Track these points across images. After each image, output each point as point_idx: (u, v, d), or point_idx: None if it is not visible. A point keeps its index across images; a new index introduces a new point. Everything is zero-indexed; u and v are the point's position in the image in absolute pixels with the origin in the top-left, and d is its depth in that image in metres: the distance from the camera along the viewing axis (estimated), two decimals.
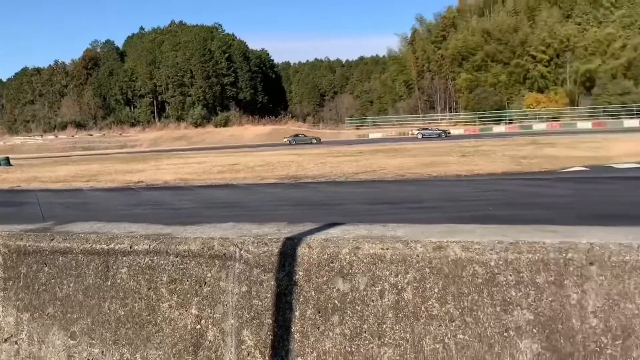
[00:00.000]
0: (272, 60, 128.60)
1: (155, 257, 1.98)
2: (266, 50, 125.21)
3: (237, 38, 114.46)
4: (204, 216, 10.74)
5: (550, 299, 1.47)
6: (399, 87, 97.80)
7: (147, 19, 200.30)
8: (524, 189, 13.59)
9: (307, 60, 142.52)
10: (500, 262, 1.52)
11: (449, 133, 59.90)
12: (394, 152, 30.44)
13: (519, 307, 1.49)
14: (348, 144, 49.25)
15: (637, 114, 69.17)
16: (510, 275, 1.51)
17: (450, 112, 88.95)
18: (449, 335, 1.55)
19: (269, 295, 1.78)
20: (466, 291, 1.55)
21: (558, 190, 12.76)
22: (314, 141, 59.18)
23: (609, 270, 1.43)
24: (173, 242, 1.97)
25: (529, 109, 75.93)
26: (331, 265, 1.71)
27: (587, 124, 64.74)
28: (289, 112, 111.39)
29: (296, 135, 63.81)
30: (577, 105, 76.47)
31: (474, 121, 78.23)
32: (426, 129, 62.61)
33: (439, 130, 60.77)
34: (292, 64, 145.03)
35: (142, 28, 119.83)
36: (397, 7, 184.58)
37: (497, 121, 75.99)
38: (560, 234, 1.58)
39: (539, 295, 1.47)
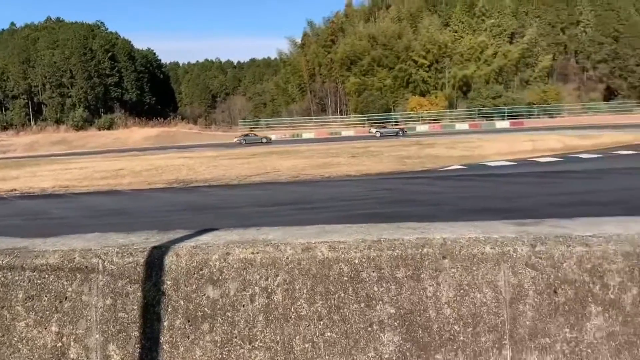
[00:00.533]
0: (160, 60, 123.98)
1: (9, 273, 1.82)
2: (153, 50, 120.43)
3: (121, 37, 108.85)
4: (83, 226, 10.08)
5: (409, 292, 1.56)
6: (291, 89, 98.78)
7: (19, 14, 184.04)
8: (408, 187, 14.29)
9: (197, 61, 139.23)
10: (364, 260, 1.58)
11: (405, 132, 61.36)
12: (287, 154, 30.69)
13: (381, 302, 1.57)
14: (242, 146, 48.78)
15: (507, 116, 75.83)
16: (373, 272, 1.58)
17: (341, 115, 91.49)
18: (317, 334, 1.59)
19: (135, 307, 1.71)
20: (333, 289, 1.59)
21: (438, 188, 13.59)
22: (265, 140, 58.19)
23: (460, 263, 1.54)
24: (29, 256, 1.82)
25: (412, 112, 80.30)
26: (201, 272, 1.68)
27: (464, 126, 69.84)
28: (178, 113, 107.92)
29: (246, 135, 62.83)
30: (456, 108, 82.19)
31: (363, 123, 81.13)
32: (384, 127, 63.86)
33: (396, 129, 62.25)
34: (181, 65, 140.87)
35: (13, 24, 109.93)
36: (288, 10, 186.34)
37: (385, 123, 79.45)
38: (418, 231, 1.69)
39: (399, 290, 1.56)
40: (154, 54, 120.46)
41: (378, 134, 58.15)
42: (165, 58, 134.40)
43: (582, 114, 77.39)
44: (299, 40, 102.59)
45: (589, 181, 13.14)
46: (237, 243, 1.70)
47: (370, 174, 18.34)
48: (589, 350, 1.48)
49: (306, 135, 73.14)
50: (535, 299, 1.48)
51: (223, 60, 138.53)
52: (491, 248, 1.52)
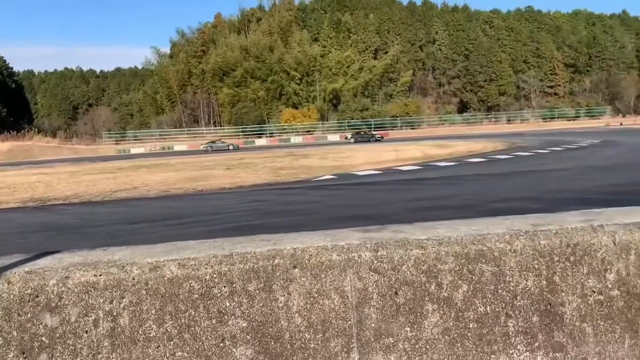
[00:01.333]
0: (11, 68, 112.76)
1: None
2: (3, 57, 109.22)
3: None
4: None
5: (261, 304, 1.57)
6: (161, 100, 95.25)
7: None
8: (281, 198, 14.41)
9: (55, 70, 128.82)
10: (215, 276, 1.57)
11: (380, 138, 60.81)
12: (157, 167, 29.46)
13: (233, 317, 1.56)
14: (107, 159, 45.89)
15: (374, 127, 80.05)
16: (225, 286, 1.57)
17: (215, 127, 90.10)
18: (167, 355, 1.53)
19: None
20: (183, 308, 1.55)
21: (310, 198, 13.89)
22: (231, 147, 56.50)
23: (310, 271, 1.59)
24: None
25: (286, 124, 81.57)
26: (37, 299, 1.54)
27: (335, 137, 72.46)
28: (34, 126, 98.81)
29: (213, 142, 61.25)
30: (327, 120, 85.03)
31: (238, 135, 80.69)
32: (358, 133, 64.47)
33: (370, 134, 62.82)
34: (36, 73, 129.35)
35: None
36: (155, 19, 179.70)
37: (259, 135, 79.75)
38: (271, 242, 1.71)
39: (251, 303, 1.56)
40: (4, 61, 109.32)
41: (352, 140, 59.16)
42: (18, 66, 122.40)
43: (440, 125, 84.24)
44: (166, 50, 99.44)
45: (444, 187, 14.25)
46: (79, 265, 1.59)
47: (245, 186, 18.22)
48: (428, 346, 1.61)
49: (178, 147, 70.87)
50: (379, 302, 1.57)
51: (85, 69, 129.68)
52: (338, 255, 1.59)
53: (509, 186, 13.93)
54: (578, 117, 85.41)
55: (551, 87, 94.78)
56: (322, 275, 1.60)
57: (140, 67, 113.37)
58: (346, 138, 63.24)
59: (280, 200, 13.94)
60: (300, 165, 25.30)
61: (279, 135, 78.35)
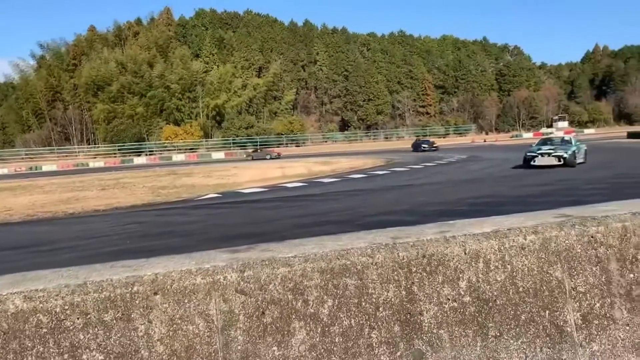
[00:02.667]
0: None
1: None
2: None
3: None
4: None
5: (119, 335, 1.48)
6: (26, 117, 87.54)
7: None
8: (162, 219, 13.84)
9: None
10: (67, 307, 1.45)
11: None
12: (23, 189, 26.98)
13: (88, 350, 1.45)
14: None
15: (260, 145, 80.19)
16: (78, 318, 1.46)
17: (89, 144, 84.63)
18: None
19: None
20: (30, 344, 1.42)
21: (193, 218, 13.50)
22: (268, 157, 52.47)
23: (172, 297, 1.53)
24: None
25: (167, 141, 78.90)
26: None
27: (220, 154, 71.41)
28: None
29: (255, 151, 56.18)
30: (211, 137, 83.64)
31: (115, 153, 76.53)
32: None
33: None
34: None
35: None
36: (18, 30, 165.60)
37: (138, 153, 76.26)
38: (131, 269, 1.62)
39: (108, 334, 1.46)
40: None
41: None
42: None
43: (323, 142, 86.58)
44: (31, 63, 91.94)
45: (328, 202, 14.61)
46: None
47: (122, 208, 17.30)
48: None
49: (47, 167, 65.51)
50: (246, 323, 1.55)
51: None
52: (202, 278, 1.55)
53: (386, 200, 14.64)
54: (447, 134, 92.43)
55: (423, 106, 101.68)
56: (186, 300, 1.54)
57: (1, 80, 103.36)
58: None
59: (160, 222, 13.39)
60: (183, 184, 24.56)
61: (160, 153, 75.54)
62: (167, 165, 52.73)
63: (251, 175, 27.83)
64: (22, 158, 75.83)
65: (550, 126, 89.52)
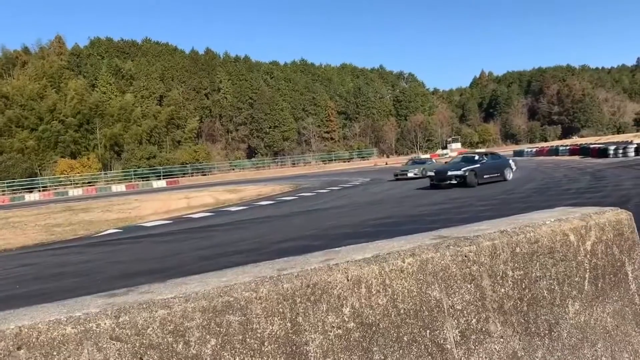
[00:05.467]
0: None
1: None
2: None
3: None
4: None
5: None
6: None
7: None
8: (56, 259, 12.96)
9: None
10: None
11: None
12: None
13: None
14: None
15: (163, 175, 77.70)
16: None
17: None
18: None
19: None
20: None
21: (89, 256, 12.75)
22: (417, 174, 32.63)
23: (39, 351, 1.43)
24: None
25: (62, 175, 74.23)
26: None
27: (121, 187, 68.23)
28: None
29: (414, 162, 36.77)
30: (111, 169, 79.82)
31: (3, 190, 70.66)
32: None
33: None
34: None
35: None
36: None
37: (30, 189, 70.99)
38: None
39: None
40: None
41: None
42: None
43: (230, 170, 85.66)
44: None
45: (235, 232, 14.42)
46: None
47: (11, 249, 16.01)
48: None
49: None
50: None
51: None
52: (73, 327, 1.46)
53: (294, 226, 14.73)
54: (352, 158, 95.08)
55: (327, 132, 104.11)
56: (54, 353, 1.45)
57: None
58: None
59: (54, 262, 12.51)
60: (80, 221, 23.14)
61: (55, 189, 70.79)
62: (63, 200, 49.41)
63: (154, 207, 26.84)
64: None
65: (445, 147, 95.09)
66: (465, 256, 2.17)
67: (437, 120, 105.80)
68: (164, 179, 75.15)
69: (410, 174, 32.11)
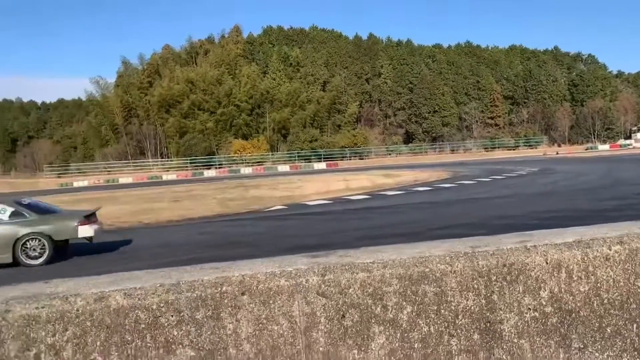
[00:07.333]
0: None
1: None
2: None
3: None
4: None
5: (209, 332, 1.57)
6: (105, 132, 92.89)
7: None
8: (232, 230, 14.25)
9: None
10: (162, 305, 1.56)
11: None
12: (101, 201, 28.53)
13: (181, 346, 1.55)
14: (48, 193, 44.00)
15: (324, 158, 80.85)
16: (172, 315, 1.56)
17: (162, 158, 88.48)
18: None
19: None
20: (129, 339, 1.53)
21: (261, 229, 13.81)
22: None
23: (258, 298, 1.61)
24: None
25: (236, 155, 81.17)
26: None
27: (286, 167, 72.63)
28: None
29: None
30: (277, 151, 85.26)
31: (186, 166, 79.52)
32: None
33: None
34: None
35: None
36: (99, 49, 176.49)
37: (208, 166, 78.87)
38: (219, 270, 1.72)
39: (199, 331, 1.56)
40: None
41: None
42: None
43: (387, 155, 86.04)
44: (109, 81, 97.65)
45: (392, 215, 14.50)
46: (19, 299, 1.55)
47: (194, 218, 17.92)
48: None
49: (123, 180, 68.98)
50: (327, 325, 1.60)
51: (25, 100, 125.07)
52: (286, 280, 1.61)
53: (453, 213, 14.34)
54: (517, 146, 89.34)
55: (491, 118, 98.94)
56: (271, 301, 1.62)
57: (84, 98, 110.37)
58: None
59: (230, 232, 13.78)
60: (251, 196, 25.14)
61: (229, 167, 77.77)
62: (235, 177, 54.19)
63: (316, 188, 28.05)
64: (101, 171, 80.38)
65: (629, 137, 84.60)
66: None
67: (619, 107, 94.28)
68: (324, 161, 78.17)
69: None
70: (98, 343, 1.52)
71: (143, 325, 1.53)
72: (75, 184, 66.65)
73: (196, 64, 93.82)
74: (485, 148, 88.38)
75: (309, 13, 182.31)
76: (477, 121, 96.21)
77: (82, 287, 1.62)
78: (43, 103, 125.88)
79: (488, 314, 1.71)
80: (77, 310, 1.52)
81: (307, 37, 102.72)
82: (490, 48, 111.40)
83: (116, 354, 1.51)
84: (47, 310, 1.51)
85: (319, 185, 30.66)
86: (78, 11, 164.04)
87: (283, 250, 9.71)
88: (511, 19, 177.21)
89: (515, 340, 1.72)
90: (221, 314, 1.57)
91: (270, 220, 15.80)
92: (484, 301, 1.71)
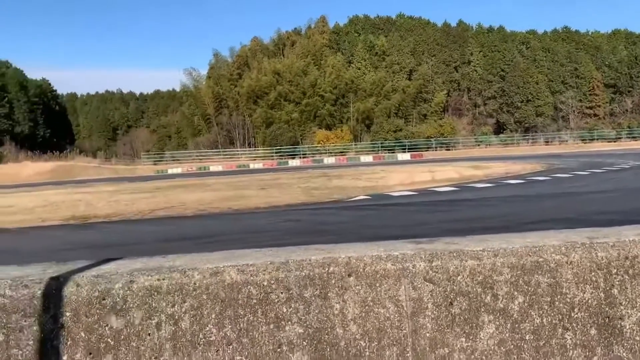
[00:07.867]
0: (55, 91, 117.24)
1: None
2: (47, 80, 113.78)
3: (12, 66, 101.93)
4: None
5: (317, 311, 1.60)
6: (197, 121, 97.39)
7: None
8: (316, 218, 14.43)
9: (97, 92, 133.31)
10: (272, 282, 1.61)
11: None
12: (194, 187, 29.94)
13: (290, 322, 1.60)
14: (145, 179, 46.90)
15: (408, 148, 79.68)
16: (282, 292, 1.61)
17: (250, 147, 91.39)
18: (226, 359, 1.58)
19: (31, 342, 1.60)
20: (242, 313, 1.60)
21: (344, 218, 13.87)
22: None
23: (364, 280, 1.62)
24: None
25: (319, 145, 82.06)
26: (103, 302, 1.61)
27: (369, 158, 72.40)
28: (76, 146, 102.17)
29: None
30: (360, 141, 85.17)
31: (272, 156, 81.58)
32: None
33: None
34: (79, 95, 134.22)
35: None
36: (192, 42, 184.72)
37: (293, 155, 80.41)
38: (325, 251, 1.75)
39: (307, 309, 1.59)
40: (49, 84, 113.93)
41: None
42: (61, 89, 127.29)
43: (475, 146, 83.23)
44: (201, 72, 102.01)
45: (481, 208, 14.02)
46: (142, 270, 1.66)
47: (279, 206, 18.32)
48: (483, 357, 1.60)
49: (214, 168, 72.06)
50: (434, 312, 1.58)
51: (125, 91, 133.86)
52: (392, 264, 1.61)
53: (548, 208, 13.62)
54: (619, 138, 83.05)
55: (590, 107, 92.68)
56: (377, 285, 1.62)
57: (178, 89, 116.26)
58: None
59: (314, 220, 13.96)
60: (334, 186, 25.30)
61: (312, 156, 78.82)
62: (319, 167, 54.80)
63: (400, 179, 27.72)
64: (193, 159, 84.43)
65: None
66: None
67: None
68: (408, 151, 77.04)
69: None
70: (213, 315, 1.60)
71: (255, 301, 1.59)
72: (170, 171, 70.54)
73: (283, 56, 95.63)
74: (583, 140, 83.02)
75: (396, 1, 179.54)
76: (574, 111, 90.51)
77: (198, 262, 1.71)
78: (141, 94, 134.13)
79: (607, 309, 1.61)
80: (195, 283, 1.61)
81: (393, 25, 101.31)
82: (590, 33, 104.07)
83: (229, 327, 1.59)
84: (168, 282, 1.61)
85: (403, 176, 30.27)
86: (172, 8, 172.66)
87: (369, 239, 9.71)
88: (614, 0, 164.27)
89: (638, 338, 1.60)
90: (329, 294, 1.60)
91: (353, 209, 15.83)
92: (602, 295, 1.61)
